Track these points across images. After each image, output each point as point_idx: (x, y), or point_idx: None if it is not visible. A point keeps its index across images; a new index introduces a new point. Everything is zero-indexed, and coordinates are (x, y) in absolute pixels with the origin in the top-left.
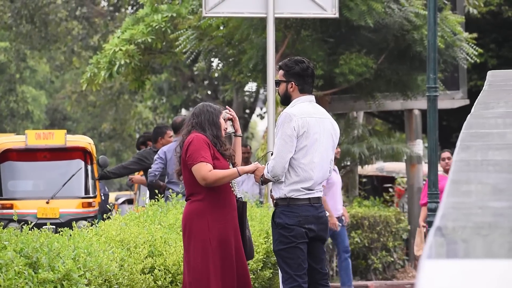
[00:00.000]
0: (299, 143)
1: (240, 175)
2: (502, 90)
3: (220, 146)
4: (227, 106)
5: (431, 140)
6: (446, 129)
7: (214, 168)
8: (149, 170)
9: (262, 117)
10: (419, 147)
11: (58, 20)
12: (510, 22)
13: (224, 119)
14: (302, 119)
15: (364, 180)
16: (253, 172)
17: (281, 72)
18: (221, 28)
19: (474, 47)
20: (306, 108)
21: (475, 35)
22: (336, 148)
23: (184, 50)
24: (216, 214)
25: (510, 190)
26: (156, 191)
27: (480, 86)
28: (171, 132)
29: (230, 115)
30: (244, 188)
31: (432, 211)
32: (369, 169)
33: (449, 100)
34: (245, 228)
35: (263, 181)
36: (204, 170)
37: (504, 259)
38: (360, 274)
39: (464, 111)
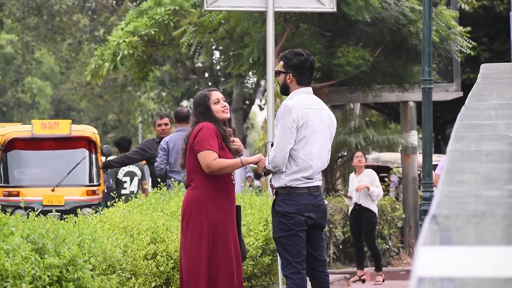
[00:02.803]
0: (298, 134)
1: (243, 166)
2: (494, 83)
3: (226, 137)
4: (233, 139)
5: (425, 131)
6: (440, 120)
7: (219, 157)
8: (155, 164)
9: (261, 108)
10: (414, 138)
11: (63, 12)
12: (502, 16)
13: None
14: (301, 111)
15: None
16: (256, 163)
17: (281, 63)
18: (222, 23)
19: (468, 40)
20: (304, 100)
21: (468, 28)
22: None
23: (187, 44)
24: (216, 202)
25: (502, 180)
26: (159, 179)
27: (473, 79)
28: (158, 121)
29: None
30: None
31: (427, 200)
32: None
33: (443, 93)
34: (241, 230)
35: (265, 172)
36: (210, 158)
37: (496, 246)
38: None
39: (458, 103)
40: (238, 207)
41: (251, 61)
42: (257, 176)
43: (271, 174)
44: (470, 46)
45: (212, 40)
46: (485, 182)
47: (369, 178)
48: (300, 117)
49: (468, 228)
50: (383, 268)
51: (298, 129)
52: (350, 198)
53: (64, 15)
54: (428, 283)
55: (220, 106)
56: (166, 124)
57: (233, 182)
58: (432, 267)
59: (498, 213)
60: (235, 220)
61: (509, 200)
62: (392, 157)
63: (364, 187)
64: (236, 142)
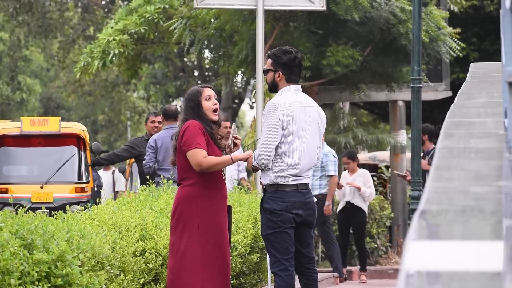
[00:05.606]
0: (285, 132)
1: (233, 162)
2: (484, 81)
3: (211, 130)
4: (235, 136)
5: (414, 131)
6: (429, 120)
7: (208, 154)
8: (143, 162)
9: (252, 107)
10: (403, 137)
11: (54, 9)
12: (492, 16)
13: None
14: (287, 108)
15: None
16: (246, 159)
17: (269, 61)
18: (213, 21)
19: (457, 41)
20: (292, 97)
21: (458, 30)
22: None
23: (177, 40)
24: (206, 199)
25: (491, 176)
26: (148, 177)
27: (462, 78)
28: (152, 118)
29: (235, 137)
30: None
31: (415, 198)
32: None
33: (433, 92)
34: (231, 230)
35: (254, 169)
36: (199, 156)
37: (484, 241)
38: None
39: (447, 102)
40: (229, 207)
41: (240, 59)
42: (250, 175)
43: (260, 171)
44: (459, 48)
45: (202, 38)
46: (474, 178)
47: (363, 178)
48: (286, 115)
49: (457, 224)
50: (371, 267)
51: (284, 126)
52: (342, 187)
53: (54, 13)
54: (417, 277)
55: (211, 103)
56: (159, 122)
57: (224, 180)
58: (421, 262)
59: (487, 209)
60: (226, 215)
61: (498, 196)
62: (387, 156)
63: (356, 187)
64: (238, 140)
